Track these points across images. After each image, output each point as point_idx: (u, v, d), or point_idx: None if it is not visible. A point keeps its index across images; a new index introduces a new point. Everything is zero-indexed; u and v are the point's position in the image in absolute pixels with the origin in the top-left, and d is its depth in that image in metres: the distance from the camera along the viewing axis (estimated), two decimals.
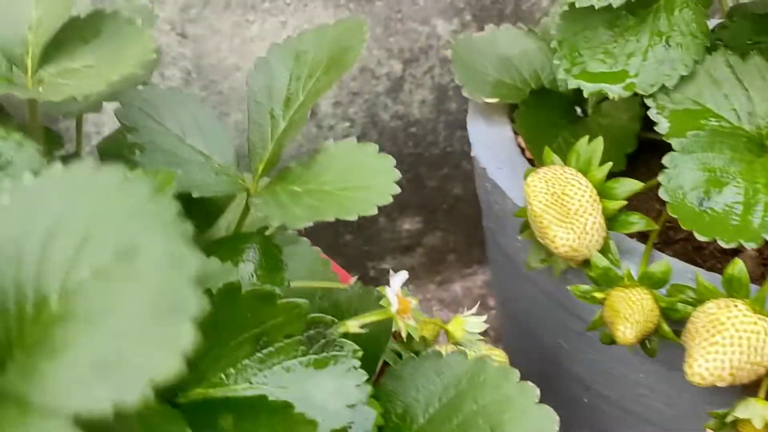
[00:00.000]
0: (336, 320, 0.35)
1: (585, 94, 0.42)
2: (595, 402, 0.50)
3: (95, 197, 0.24)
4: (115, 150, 0.48)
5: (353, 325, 0.36)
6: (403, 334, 0.37)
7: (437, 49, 0.73)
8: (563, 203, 0.39)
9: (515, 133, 0.52)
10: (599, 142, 0.41)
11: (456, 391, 0.36)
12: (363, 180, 0.38)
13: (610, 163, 0.41)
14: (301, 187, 0.39)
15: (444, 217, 0.84)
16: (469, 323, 0.38)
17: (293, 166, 0.41)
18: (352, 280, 0.55)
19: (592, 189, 0.40)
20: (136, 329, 0.23)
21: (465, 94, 0.53)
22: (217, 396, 0.33)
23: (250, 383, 0.34)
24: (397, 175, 0.37)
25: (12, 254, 0.25)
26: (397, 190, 0.37)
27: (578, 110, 0.54)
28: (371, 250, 0.86)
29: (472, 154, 0.52)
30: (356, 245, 0.85)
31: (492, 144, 0.51)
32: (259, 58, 0.43)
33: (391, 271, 0.38)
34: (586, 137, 0.42)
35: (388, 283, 0.37)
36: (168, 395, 0.33)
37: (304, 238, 0.49)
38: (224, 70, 0.70)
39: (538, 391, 0.34)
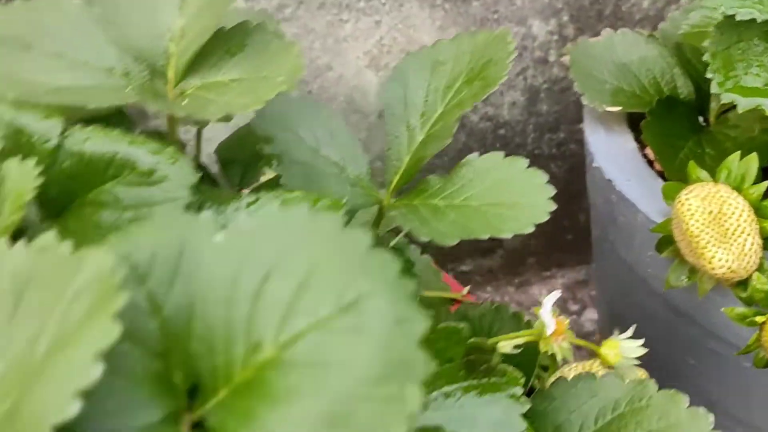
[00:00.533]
0: (496, 346, 0.34)
1: (739, 110, 0.40)
2: (722, 421, 0.48)
3: (314, 244, 0.23)
4: (235, 155, 0.48)
5: (507, 346, 0.35)
6: (558, 358, 0.35)
7: (532, 50, 0.71)
8: (721, 223, 0.37)
9: (638, 143, 0.51)
10: (754, 159, 0.39)
11: (614, 415, 0.35)
12: (514, 196, 0.36)
13: (767, 182, 0.39)
14: (443, 201, 0.38)
15: None
16: (624, 347, 0.37)
17: (432, 179, 0.39)
18: (465, 290, 0.54)
19: (749, 208, 0.38)
20: (365, 389, 0.22)
21: (585, 102, 0.51)
22: None
23: None
24: (552, 190, 0.36)
25: (224, 294, 0.24)
26: (554, 206, 0.36)
27: (701, 119, 0.52)
28: (450, 252, 0.84)
29: (594, 164, 0.50)
30: (435, 247, 0.84)
31: (615, 155, 0.50)
32: (394, 69, 0.42)
33: (543, 293, 0.36)
34: (737, 153, 0.40)
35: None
36: None
37: (413, 246, 0.48)
38: (316, 69, 0.69)
39: (712, 418, 0.32)
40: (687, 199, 0.38)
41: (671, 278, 0.42)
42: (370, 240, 0.24)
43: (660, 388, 0.35)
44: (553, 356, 0.42)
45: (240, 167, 0.47)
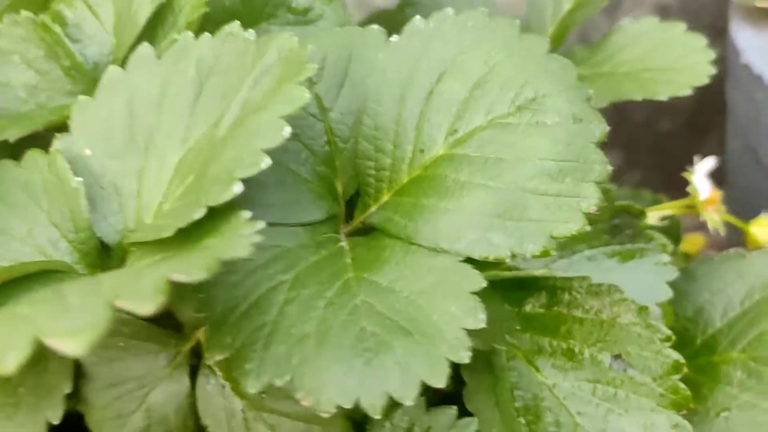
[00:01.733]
0: (644, 210, 0.32)
1: None
2: None
3: (491, 45, 0.23)
4: None
5: (654, 216, 0.33)
6: (709, 227, 0.33)
7: None
8: None
9: None
10: None
11: (764, 295, 0.33)
12: (670, 61, 0.34)
13: None
14: (590, 69, 0.36)
15: (648, 155, 0.79)
16: None
17: (578, 49, 0.38)
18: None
19: None
20: (539, 183, 0.22)
21: None
22: (521, 276, 0.31)
23: (549, 268, 0.32)
24: (712, 54, 0.34)
25: (397, 93, 0.23)
26: (712, 70, 0.34)
27: None
28: None
29: (742, 62, 0.47)
30: None
31: (766, 50, 0.46)
32: None
33: (695, 158, 0.34)
34: None
35: None
36: None
37: None
38: None
39: None
40: None
41: None
42: (548, 45, 0.23)
43: None
44: (685, 255, 0.41)
45: None
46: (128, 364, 0.25)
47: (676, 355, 0.28)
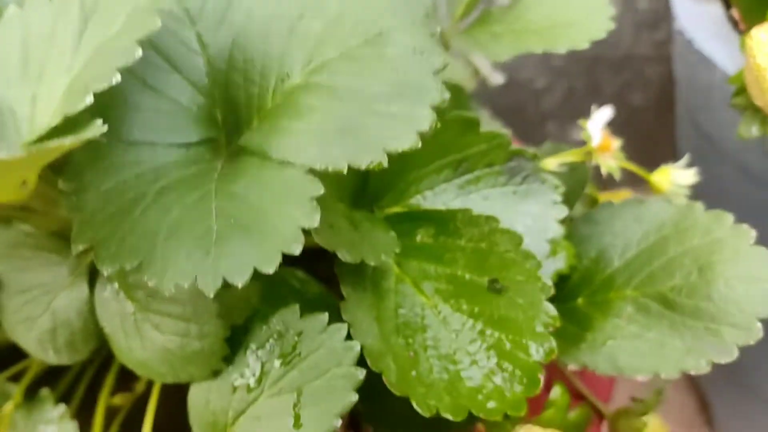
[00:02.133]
0: (538, 154, 0.34)
1: None
2: None
3: None
4: None
5: (552, 162, 0.35)
6: (603, 172, 0.35)
7: None
8: None
9: (727, 7, 0.48)
10: None
11: (658, 236, 0.34)
12: (573, 16, 0.36)
13: None
14: (502, 27, 0.38)
15: (620, 129, 0.80)
16: (677, 174, 0.36)
17: (493, 10, 0.40)
18: None
19: None
20: (378, 106, 0.24)
21: None
22: (418, 211, 0.33)
23: (447, 207, 0.34)
24: (612, 10, 0.36)
25: (261, 30, 0.26)
26: (613, 25, 0.35)
27: None
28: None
29: (675, 27, 0.48)
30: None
31: (699, 15, 0.48)
32: None
33: (593, 107, 0.36)
34: None
35: None
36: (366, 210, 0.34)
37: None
38: None
39: (754, 233, 0.31)
40: (757, 33, 0.36)
41: (742, 129, 0.40)
42: None
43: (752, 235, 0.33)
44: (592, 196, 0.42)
45: None
46: (35, 274, 0.28)
47: (545, 279, 0.30)
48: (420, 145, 0.23)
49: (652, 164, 0.87)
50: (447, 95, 0.24)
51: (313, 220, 0.23)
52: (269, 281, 0.26)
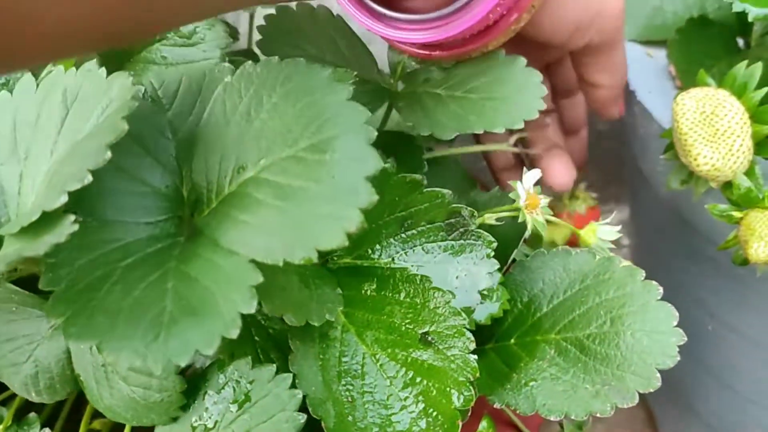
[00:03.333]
0: (475, 212, 0.38)
1: (750, 18, 0.41)
2: (720, 331, 0.50)
3: (303, 88, 0.29)
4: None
5: (489, 218, 0.39)
6: (529, 227, 0.39)
7: None
8: (712, 123, 0.39)
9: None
10: (758, 67, 0.40)
11: (581, 286, 0.38)
12: (510, 92, 0.40)
13: (767, 88, 0.40)
14: (445, 92, 0.42)
15: (588, 151, 0.84)
16: (602, 230, 0.40)
17: (435, 71, 0.43)
18: None
19: (744, 112, 0.40)
20: (315, 206, 0.27)
21: None
22: (364, 265, 0.37)
23: (393, 259, 0.38)
24: (544, 91, 0.39)
25: (223, 123, 0.30)
26: (543, 106, 0.39)
27: (741, 42, 0.52)
28: None
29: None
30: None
31: (644, 69, 0.51)
32: None
33: (524, 169, 0.40)
34: (745, 61, 0.41)
35: None
36: (321, 261, 0.38)
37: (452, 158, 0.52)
38: None
39: (660, 290, 0.35)
40: (682, 99, 0.40)
41: (671, 180, 0.44)
42: (348, 93, 0.29)
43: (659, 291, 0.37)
44: (553, 243, 0.46)
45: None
46: (20, 325, 0.32)
47: (468, 335, 0.34)
48: (346, 242, 0.27)
49: (616, 184, 0.91)
50: (375, 198, 0.27)
51: (251, 306, 0.26)
52: None
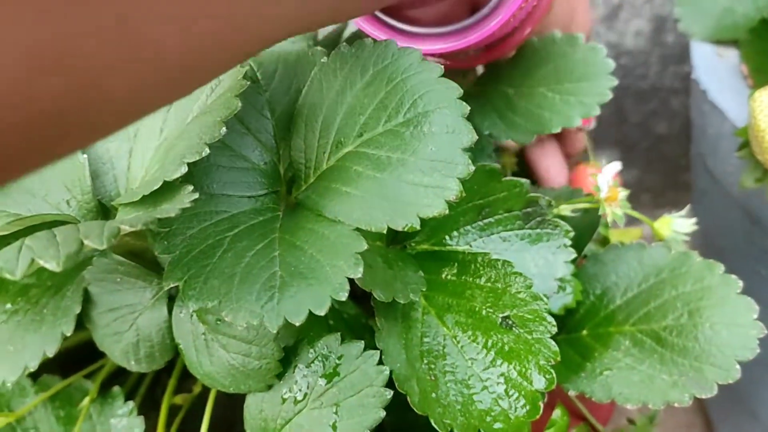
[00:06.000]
0: (552, 202, 0.39)
1: None
2: None
3: (394, 68, 0.30)
4: None
5: (566, 209, 0.40)
6: (608, 219, 0.40)
7: None
8: None
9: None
10: None
11: (656, 280, 0.39)
12: (578, 77, 0.40)
13: None
14: (513, 88, 0.43)
15: (643, 156, 0.84)
16: (677, 223, 0.40)
17: (502, 63, 0.44)
18: None
19: None
20: (414, 177, 0.29)
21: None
22: (444, 250, 0.38)
23: (470, 246, 0.39)
24: (611, 65, 0.39)
25: (323, 102, 0.31)
26: (615, 82, 0.39)
27: None
28: None
29: (693, 76, 0.52)
30: None
31: (716, 68, 0.52)
32: None
33: (603, 161, 0.40)
34: None
35: None
36: (400, 247, 0.39)
37: None
38: None
39: (741, 283, 0.36)
40: (760, 96, 0.40)
41: (744, 179, 0.44)
42: (439, 70, 0.30)
43: (739, 284, 0.37)
44: (605, 239, 0.47)
45: None
46: (123, 295, 0.33)
47: (550, 319, 0.34)
48: (447, 211, 0.28)
49: (674, 189, 0.91)
50: (472, 168, 0.29)
51: (357, 272, 0.28)
52: None
